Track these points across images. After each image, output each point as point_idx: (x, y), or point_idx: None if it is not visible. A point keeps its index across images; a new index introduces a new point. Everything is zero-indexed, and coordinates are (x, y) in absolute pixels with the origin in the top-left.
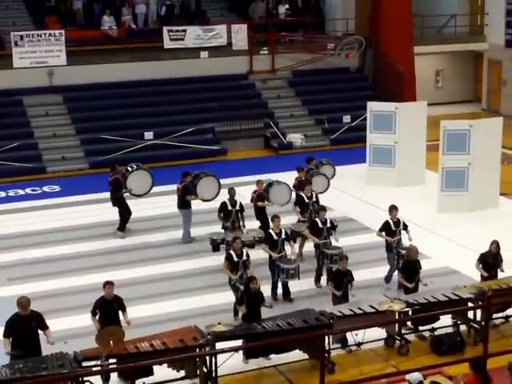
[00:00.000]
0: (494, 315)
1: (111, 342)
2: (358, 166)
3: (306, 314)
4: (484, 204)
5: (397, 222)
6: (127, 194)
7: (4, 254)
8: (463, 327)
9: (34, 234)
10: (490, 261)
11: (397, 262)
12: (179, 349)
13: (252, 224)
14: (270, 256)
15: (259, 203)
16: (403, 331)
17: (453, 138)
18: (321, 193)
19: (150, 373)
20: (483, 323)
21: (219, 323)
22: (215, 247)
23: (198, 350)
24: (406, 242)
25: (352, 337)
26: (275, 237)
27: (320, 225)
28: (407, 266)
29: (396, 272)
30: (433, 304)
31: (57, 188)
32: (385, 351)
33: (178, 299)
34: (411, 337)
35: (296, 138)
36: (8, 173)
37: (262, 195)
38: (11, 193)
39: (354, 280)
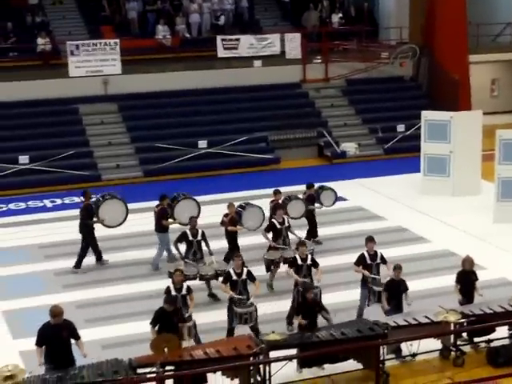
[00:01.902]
0: None
1: (166, 350)
2: (412, 176)
3: (360, 324)
4: None
5: (373, 255)
6: (99, 224)
7: (60, 261)
8: None
9: None
10: None
11: (368, 299)
12: (233, 357)
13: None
14: (230, 298)
15: (230, 228)
16: (459, 342)
17: (509, 148)
18: (295, 218)
19: (204, 381)
20: None
21: (273, 332)
22: None
23: (252, 358)
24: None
25: (406, 347)
26: (235, 277)
27: (299, 261)
28: (462, 276)
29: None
30: (489, 315)
31: None
32: (440, 362)
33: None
34: (467, 348)
35: (350, 147)
36: (63, 180)
37: (233, 219)
38: (67, 200)
39: (408, 289)
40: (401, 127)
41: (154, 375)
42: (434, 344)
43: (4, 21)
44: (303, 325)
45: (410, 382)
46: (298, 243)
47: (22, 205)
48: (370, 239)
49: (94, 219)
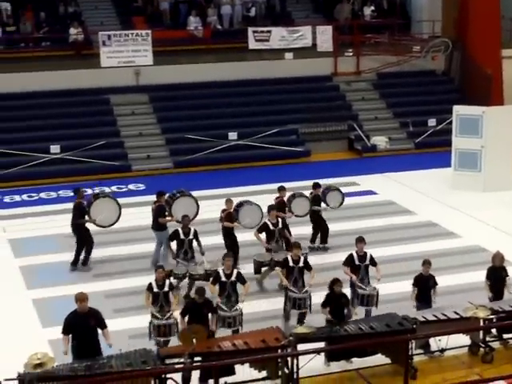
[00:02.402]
0: None
1: (194, 341)
2: (443, 171)
3: (388, 318)
4: None
5: (362, 257)
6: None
7: None
8: None
9: (118, 231)
10: None
11: (352, 301)
12: (261, 349)
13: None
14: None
15: (226, 223)
16: (488, 338)
17: None
18: (300, 216)
19: (232, 372)
20: None
21: (301, 325)
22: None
23: (279, 351)
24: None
25: (435, 342)
26: (224, 278)
27: (291, 263)
28: (492, 272)
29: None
30: None
31: (142, 186)
32: (468, 358)
33: (256, 300)
34: (496, 344)
35: (380, 141)
36: (94, 170)
37: (230, 215)
38: (97, 190)
39: (437, 285)
40: (432, 121)
41: (182, 366)
42: (463, 340)
43: (37, 11)
44: (330, 319)
45: (438, 378)
46: (291, 244)
47: (53, 194)
48: (359, 240)
49: (86, 218)
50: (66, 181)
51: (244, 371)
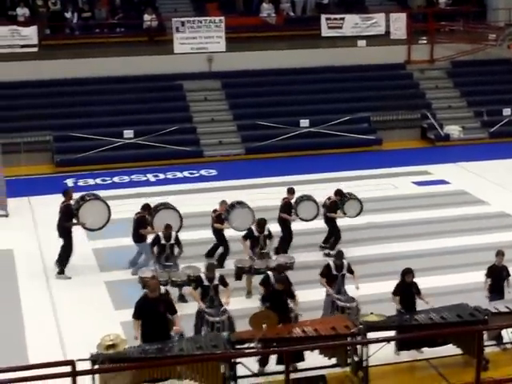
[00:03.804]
0: None
1: (264, 326)
2: None
3: (460, 309)
4: None
5: (340, 266)
6: (79, 226)
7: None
8: None
9: (188, 216)
10: None
11: (331, 311)
12: (331, 336)
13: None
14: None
15: (216, 225)
16: None
17: None
18: (305, 220)
19: (302, 358)
20: None
21: (372, 313)
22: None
23: (349, 338)
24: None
25: (507, 334)
26: (206, 282)
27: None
28: None
29: None
30: None
31: (213, 172)
32: None
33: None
34: None
35: (454, 130)
36: (167, 155)
37: (220, 216)
38: (169, 175)
39: (510, 276)
40: (507, 111)
41: (253, 351)
42: None
43: None
44: (400, 308)
45: (510, 370)
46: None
47: (126, 178)
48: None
49: (74, 221)
50: (138, 165)
51: (313, 358)
